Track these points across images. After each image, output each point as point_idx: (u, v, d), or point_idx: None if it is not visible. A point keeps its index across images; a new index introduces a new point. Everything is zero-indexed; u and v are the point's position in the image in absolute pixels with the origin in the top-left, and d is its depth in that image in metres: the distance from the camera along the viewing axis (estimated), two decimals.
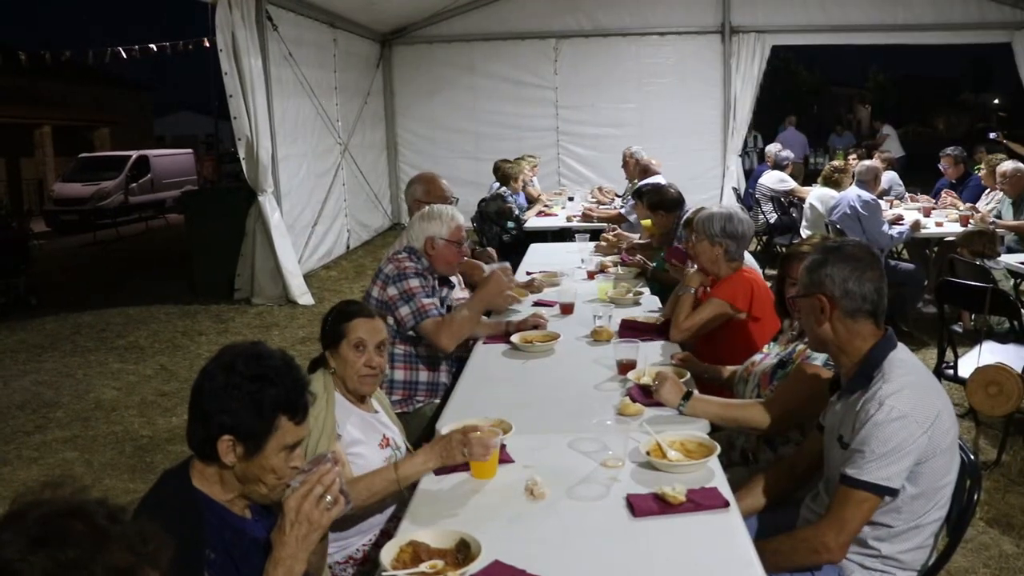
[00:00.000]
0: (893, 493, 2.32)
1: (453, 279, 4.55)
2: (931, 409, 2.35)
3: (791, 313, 3.31)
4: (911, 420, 2.30)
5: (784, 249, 8.64)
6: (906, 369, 2.42)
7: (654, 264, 5.85)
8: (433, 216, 4.10)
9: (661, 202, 6.03)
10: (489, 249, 6.66)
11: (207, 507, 1.94)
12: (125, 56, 12.01)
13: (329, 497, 1.91)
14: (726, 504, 2.42)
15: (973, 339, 5.45)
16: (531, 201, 10.03)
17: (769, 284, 4.24)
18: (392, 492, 2.65)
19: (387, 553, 2.15)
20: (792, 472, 2.86)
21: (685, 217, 5.32)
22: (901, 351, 2.49)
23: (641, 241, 6.55)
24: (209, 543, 1.87)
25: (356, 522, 2.78)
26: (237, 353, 1.98)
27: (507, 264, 4.80)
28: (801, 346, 3.11)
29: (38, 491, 1.25)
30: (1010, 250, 7.26)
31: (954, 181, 9.62)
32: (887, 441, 2.29)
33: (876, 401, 2.34)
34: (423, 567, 2.08)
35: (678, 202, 6.00)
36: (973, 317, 5.91)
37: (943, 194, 9.11)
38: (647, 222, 6.24)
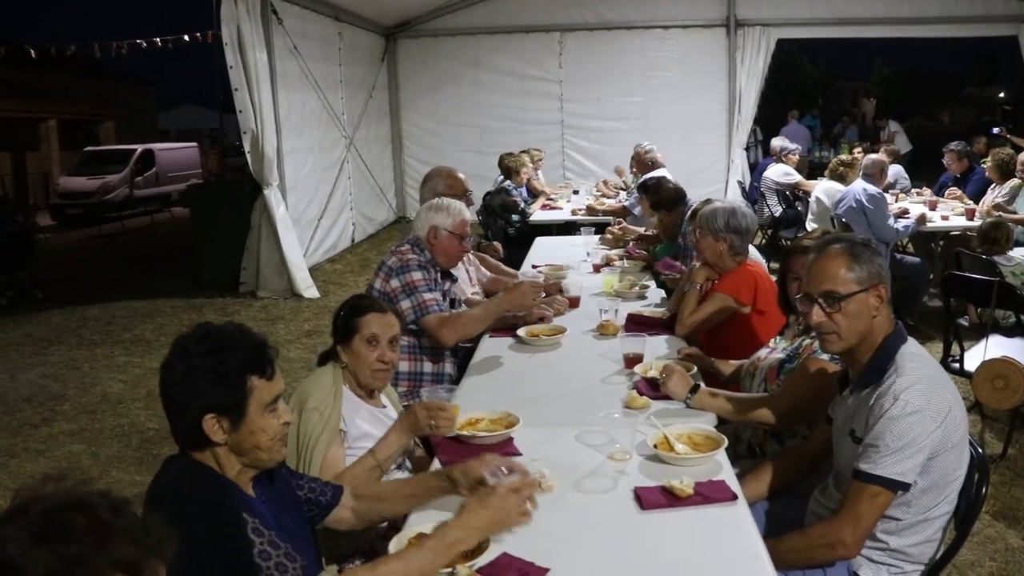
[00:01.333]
0: (906, 488, 2.32)
1: (458, 273, 4.55)
2: (944, 403, 2.35)
3: (795, 308, 3.29)
4: (925, 415, 2.30)
5: (789, 243, 8.64)
6: (919, 363, 2.41)
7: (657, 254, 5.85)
8: (441, 207, 4.11)
9: (660, 201, 6.02)
10: (495, 243, 6.67)
11: (220, 478, 1.98)
12: (130, 50, 12.03)
13: (529, 506, 2.10)
14: (734, 497, 2.43)
15: (979, 333, 5.44)
16: (535, 195, 10.03)
17: (774, 278, 4.25)
18: (377, 477, 2.70)
19: (395, 546, 2.16)
20: (799, 462, 2.87)
21: (692, 209, 5.31)
22: (912, 345, 2.48)
23: (648, 233, 6.55)
24: (242, 502, 1.92)
25: None
26: (187, 338, 1.99)
27: (540, 280, 4.76)
28: (807, 340, 3.10)
29: (39, 485, 1.24)
30: (1017, 243, 7.24)
31: (958, 176, 9.60)
32: (902, 436, 2.29)
33: (891, 396, 2.33)
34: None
35: (676, 200, 5.97)
36: (979, 311, 5.90)
37: (948, 193, 9.07)
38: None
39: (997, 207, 7.89)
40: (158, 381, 1.98)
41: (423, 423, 2.73)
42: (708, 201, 4.42)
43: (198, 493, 1.90)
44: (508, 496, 2.09)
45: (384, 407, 3.02)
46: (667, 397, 3.17)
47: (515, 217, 8.62)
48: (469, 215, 4.23)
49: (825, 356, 2.97)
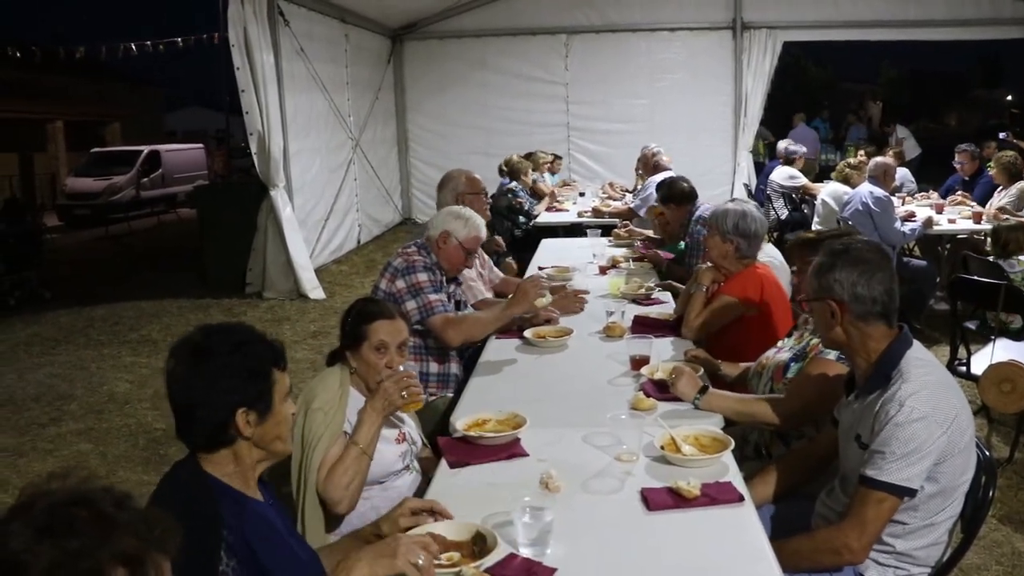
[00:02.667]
0: (912, 494, 2.33)
1: (470, 272, 4.57)
2: (950, 409, 2.36)
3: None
4: (931, 421, 2.31)
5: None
6: (925, 369, 2.42)
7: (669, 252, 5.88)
8: (461, 216, 4.13)
9: (671, 195, 6.03)
10: (496, 237, 6.68)
11: (219, 489, 1.97)
12: (136, 52, 12.08)
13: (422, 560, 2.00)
14: (741, 499, 2.43)
15: (986, 336, 5.43)
16: (539, 197, 10.04)
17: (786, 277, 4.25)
18: (366, 464, 2.72)
19: None
20: (805, 464, 2.88)
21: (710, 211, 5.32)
22: (918, 350, 2.48)
23: (656, 236, 6.56)
24: (224, 522, 1.89)
25: (373, 515, 2.80)
26: (200, 341, 1.99)
27: (537, 277, 4.78)
28: (815, 340, 3.11)
29: (44, 482, 1.25)
30: None
31: (967, 178, 9.56)
32: (908, 442, 2.30)
33: (896, 402, 2.34)
34: (440, 559, 2.10)
35: (689, 195, 5.99)
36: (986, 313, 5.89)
37: (950, 199, 9.03)
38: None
39: (1002, 210, 7.87)
40: (177, 388, 1.97)
41: (395, 397, 2.76)
42: (731, 202, 4.42)
43: (188, 511, 1.88)
44: (402, 543, 2.03)
45: None
46: (674, 398, 3.18)
47: (522, 219, 8.63)
48: (484, 234, 4.25)
49: (832, 356, 2.97)
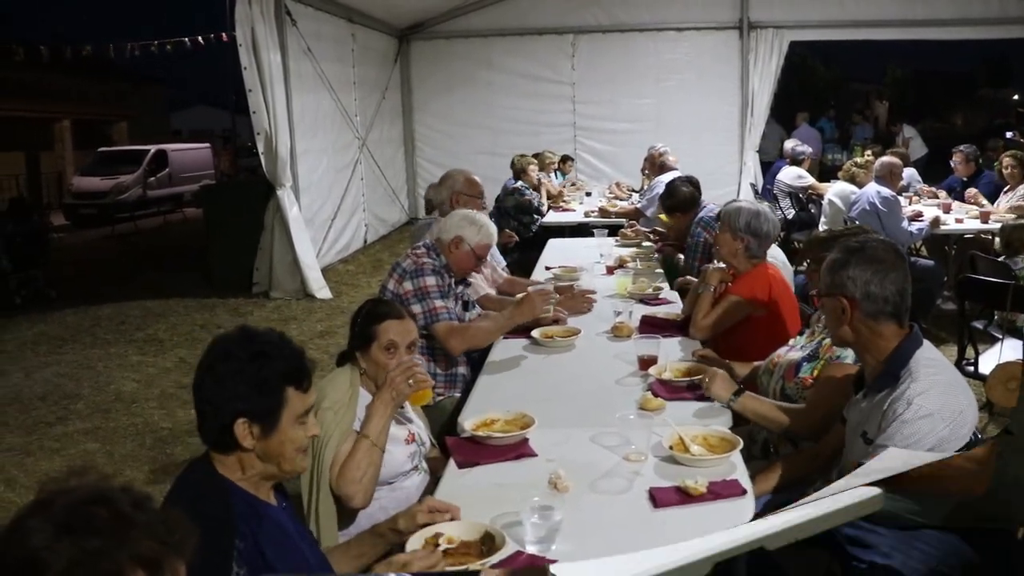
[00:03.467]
0: None
1: (471, 278, 4.57)
2: (957, 406, 2.37)
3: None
4: (937, 417, 2.32)
5: (800, 245, 8.64)
6: (934, 368, 2.42)
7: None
8: (475, 222, 4.14)
9: (676, 204, 6.01)
10: (507, 230, 6.69)
11: (233, 493, 1.96)
12: (143, 51, 12.11)
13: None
14: (744, 492, 2.46)
15: (992, 337, 5.41)
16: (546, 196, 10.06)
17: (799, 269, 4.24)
18: (378, 457, 2.71)
19: (413, 544, 2.18)
20: (813, 463, 2.87)
21: (712, 211, 5.31)
22: (927, 349, 2.48)
23: (662, 230, 6.55)
24: (237, 529, 1.89)
25: (382, 515, 2.80)
26: (229, 340, 2.00)
27: (548, 287, 4.78)
28: (828, 340, 3.10)
29: (64, 479, 1.25)
30: None
31: (965, 179, 9.52)
32: (911, 436, 2.31)
33: (904, 400, 2.34)
34: (440, 540, 2.14)
35: (692, 200, 5.97)
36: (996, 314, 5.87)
37: (968, 195, 8.97)
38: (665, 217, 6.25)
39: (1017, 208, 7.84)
40: (197, 381, 1.99)
41: (402, 386, 2.76)
42: (745, 200, 4.42)
43: (202, 513, 1.88)
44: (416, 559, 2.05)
45: (401, 408, 3.02)
46: (682, 398, 3.19)
47: (528, 217, 8.63)
48: (495, 240, 4.30)
49: (849, 360, 2.96)
